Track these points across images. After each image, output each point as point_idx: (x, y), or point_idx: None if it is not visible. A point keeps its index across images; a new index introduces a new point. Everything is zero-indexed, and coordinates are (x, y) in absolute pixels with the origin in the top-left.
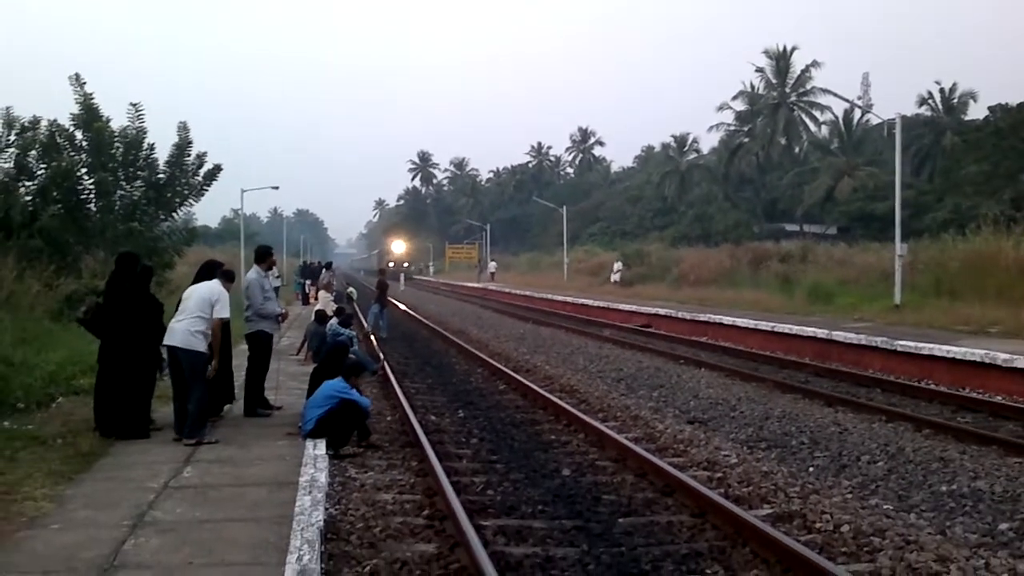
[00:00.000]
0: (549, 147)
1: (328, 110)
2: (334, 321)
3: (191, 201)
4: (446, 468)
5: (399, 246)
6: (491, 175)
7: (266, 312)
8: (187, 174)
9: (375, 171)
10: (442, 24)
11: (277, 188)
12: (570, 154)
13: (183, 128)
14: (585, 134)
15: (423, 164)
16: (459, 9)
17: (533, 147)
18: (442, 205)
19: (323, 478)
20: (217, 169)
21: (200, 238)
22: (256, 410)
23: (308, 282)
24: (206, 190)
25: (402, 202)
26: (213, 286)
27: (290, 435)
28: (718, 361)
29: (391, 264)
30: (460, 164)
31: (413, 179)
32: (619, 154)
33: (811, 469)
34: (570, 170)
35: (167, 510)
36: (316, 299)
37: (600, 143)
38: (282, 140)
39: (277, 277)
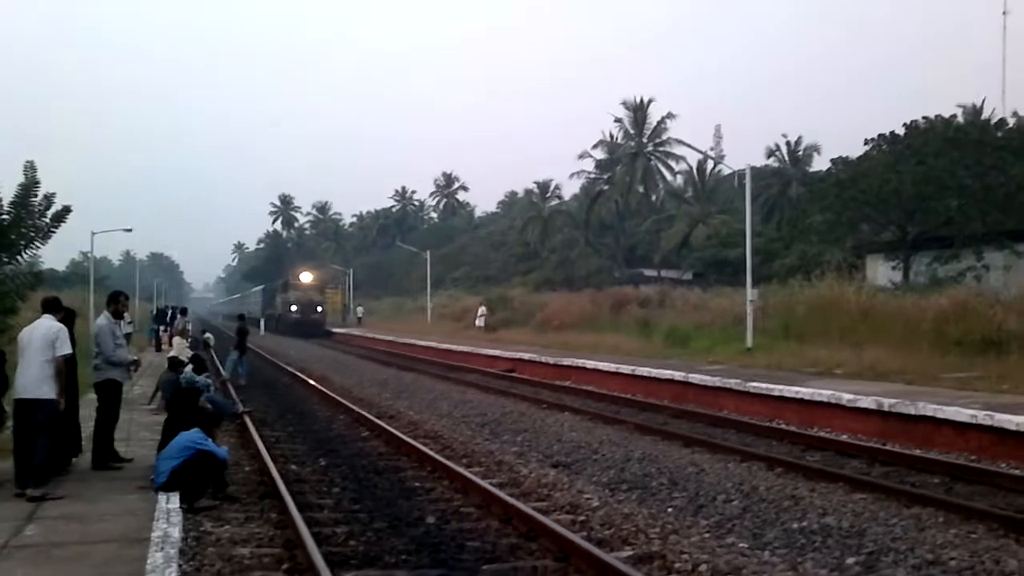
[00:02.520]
0: (413, 192)
1: (184, 150)
2: (188, 368)
3: (37, 244)
4: (307, 519)
5: (307, 276)
6: (354, 219)
7: (117, 360)
8: (33, 215)
9: (234, 214)
10: (303, 66)
11: (130, 231)
12: (434, 199)
13: (30, 167)
14: (449, 179)
15: (284, 207)
16: (320, 52)
17: (397, 191)
18: (304, 249)
19: (176, 533)
20: (66, 211)
21: (46, 282)
22: (105, 462)
23: (162, 328)
24: (54, 232)
25: (262, 245)
26: (50, 324)
27: (142, 488)
28: (581, 405)
29: (293, 308)
30: (323, 208)
31: (274, 222)
32: (483, 199)
33: (670, 509)
34: (434, 215)
35: (7, 572)
36: (170, 345)
37: (464, 188)
38: (135, 181)
39: (129, 323)
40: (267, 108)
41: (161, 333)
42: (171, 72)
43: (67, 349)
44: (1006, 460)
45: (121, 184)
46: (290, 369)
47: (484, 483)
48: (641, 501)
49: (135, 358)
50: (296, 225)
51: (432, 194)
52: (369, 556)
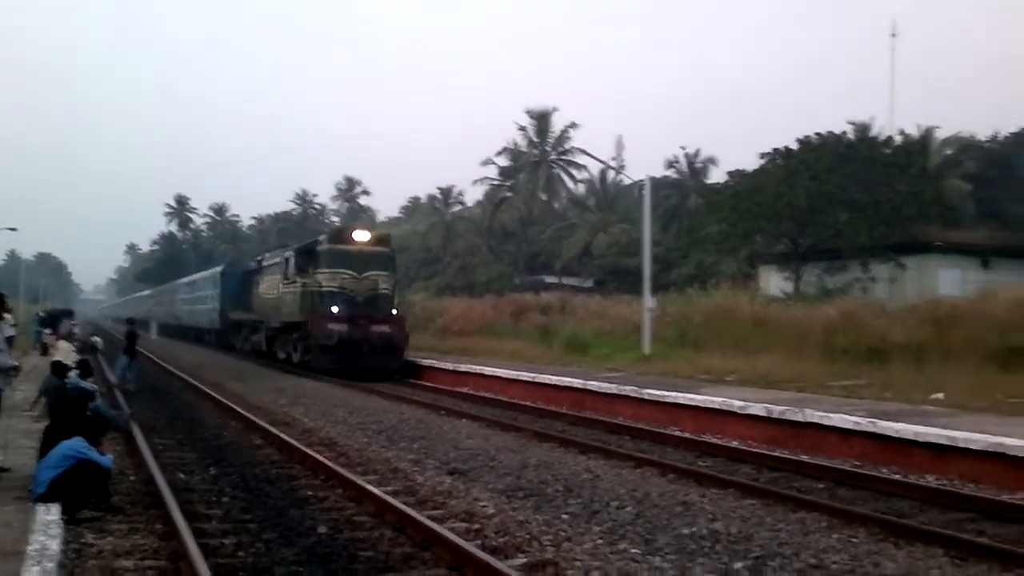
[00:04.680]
0: (315, 195)
1: (74, 147)
2: (74, 373)
3: None
4: (194, 530)
5: (365, 235)
6: (254, 222)
7: None
8: None
9: (127, 214)
10: (194, 61)
11: (15, 230)
12: (336, 203)
13: None
14: (351, 183)
15: (180, 208)
16: (214, 53)
17: (297, 194)
18: (201, 251)
19: (55, 546)
20: None
21: None
22: None
23: (48, 331)
24: None
25: (157, 247)
26: None
27: (19, 499)
28: (479, 412)
29: (335, 310)
30: (220, 210)
31: (169, 224)
32: (385, 204)
33: (565, 516)
34: (336, 219)
35: None
36: (55, 349)
37: (366, 192)
38: (22, 179)
39: (13, 325)
40: (160, 104)
41: (46, 336)
42: (61, 62)
43: None
44: (888, 465)
45: (5, 181)
46: (182, 375)
47: (378, 491)
48: (536, 508)
49: (15, 363)
50: (192, 226)
51: (334, 198)
52: (258, 568)
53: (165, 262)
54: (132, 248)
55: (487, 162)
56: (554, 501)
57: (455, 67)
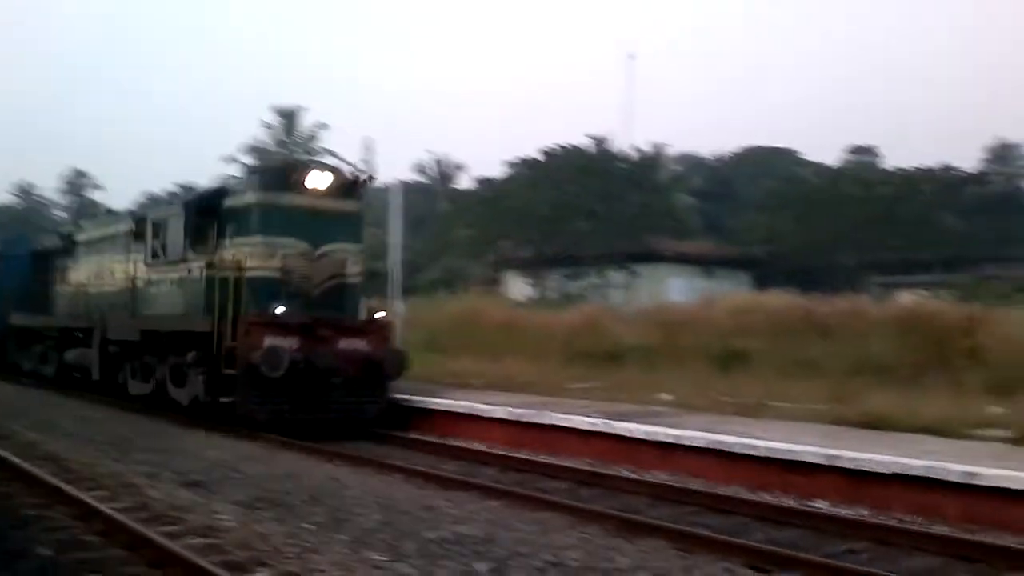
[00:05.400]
0: (36, 187)
1: None
2: None
3: None
4: None
5: (324, 178)
6: None
7: None
8: None
9: None
10: None
11: None
12: (64, 197)
13: None
14: (80, 176)
15: None
16: None
17: (18, 187)
18: None
19: None
20: None
21: None
22: None
23: None
24: None
25: None
26: None
27: None
28: (225, 422)
29: (281, 307)
30: None
31: None
32: (118, 199)
33: (309, 526)
34: (64, 213)
35: None
36: None
37: (97, 187)
38: None
39: None
40: None
41: None
42: None
43: None
44: (623, 463)
45: None
46: None
47: (107, 508)
48: (280, 520)
49: None
50: None
51: (64, 192)
52: None
53: None
54: None
55: (230, 159)
56: (299, 511)
57: (192, 59)
